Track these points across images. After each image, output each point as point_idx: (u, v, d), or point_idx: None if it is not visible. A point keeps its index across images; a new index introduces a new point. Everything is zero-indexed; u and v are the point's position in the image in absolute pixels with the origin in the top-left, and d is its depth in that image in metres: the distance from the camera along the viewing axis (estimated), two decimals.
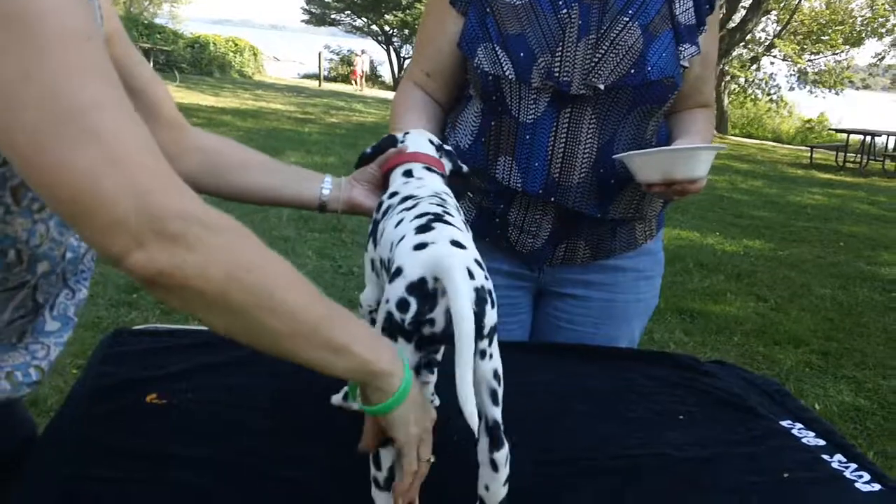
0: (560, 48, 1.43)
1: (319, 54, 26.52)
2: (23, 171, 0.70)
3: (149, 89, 1.15)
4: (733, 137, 18.96)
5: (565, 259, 1.59)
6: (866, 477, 1.16)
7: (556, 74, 1.43)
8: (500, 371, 0.93)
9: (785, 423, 1.34)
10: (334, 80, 26.71)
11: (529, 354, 1.54)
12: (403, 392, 0.87)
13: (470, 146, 1.53)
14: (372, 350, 0.85)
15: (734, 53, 20.14)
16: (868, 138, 14.20)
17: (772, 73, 24.08)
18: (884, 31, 22.30)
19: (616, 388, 1.41)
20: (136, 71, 1.13)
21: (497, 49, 1.45)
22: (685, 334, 4.37)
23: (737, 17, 18.78)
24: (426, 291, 0.88)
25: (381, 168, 1.24)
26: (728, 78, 20.52)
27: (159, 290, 0.73)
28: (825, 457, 1.22)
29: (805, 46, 22.93)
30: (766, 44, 22.76)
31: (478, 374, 0.92)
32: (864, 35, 22.45)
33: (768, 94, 23.69)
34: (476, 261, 0.92)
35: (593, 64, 1.43)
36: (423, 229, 0.95)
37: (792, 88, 24.09)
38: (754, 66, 22.88)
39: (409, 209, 1.02)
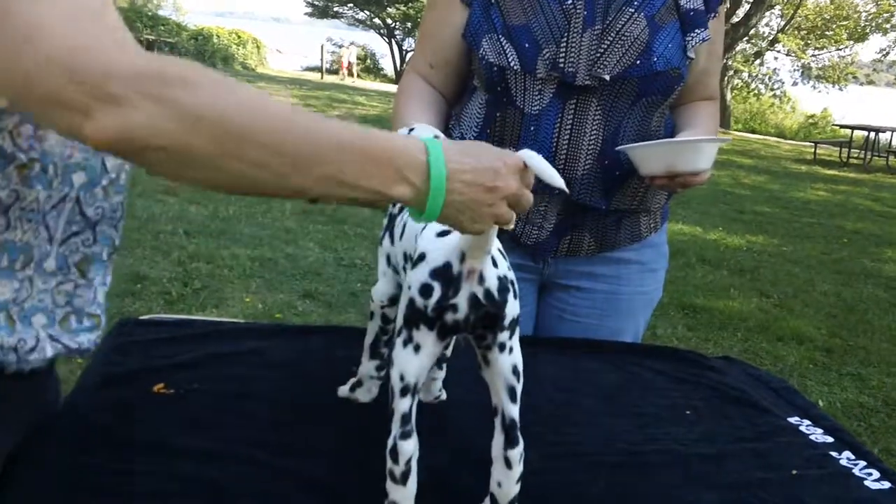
0: (565, 39, 1.42)
1: (322, 47, 26.49)
2: None
3: None
4: (736, 132, 18.91)
5: (570, 251, 1.58)
6: (875, 474, 1.16)
7: (562, 65, 1.42)
8: (521, 367, 0.92)
9: (792, 420, 1.33)
10: (336, 72, 26.67)
11: (535, 348, 1.53)
12: (437, 165, 0.78)
13: (475, 138, 1.52)
14: (376, 143, 0.77)
15: (738, 48, 20.09)
16: (872, 134, 14.16)
17: (775, 69, 24.05)
18: (888, 26, 22.18)
19: (622, 383, 1.40)
20: None
21: (502, 40, 1.45)
22: (688, 330, 4.37)
23: (741, 12, 18.74)
24: (450, 276, 0.87)
25: None
26: (731, 73, 20.46)
27: (130, 158, 0.70)
28: (833, 454, 1.22)
29: (809, 42, 22.85)
30: (770, 39, 22.69)
31: (496, 369, 0.91)
32: (868, 31, 22.36)
33: (771, 90, 23.65)
34: (500, 250, 0.91)
35: (599, 55, 1.42)
36: None
37: (795, 84, 24.04)
38: (758, 61, 22.83)
39: None
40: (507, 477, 0.91)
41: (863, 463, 1.19)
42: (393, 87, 21.03)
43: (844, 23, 22.28)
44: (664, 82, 1.46)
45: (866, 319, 4.91)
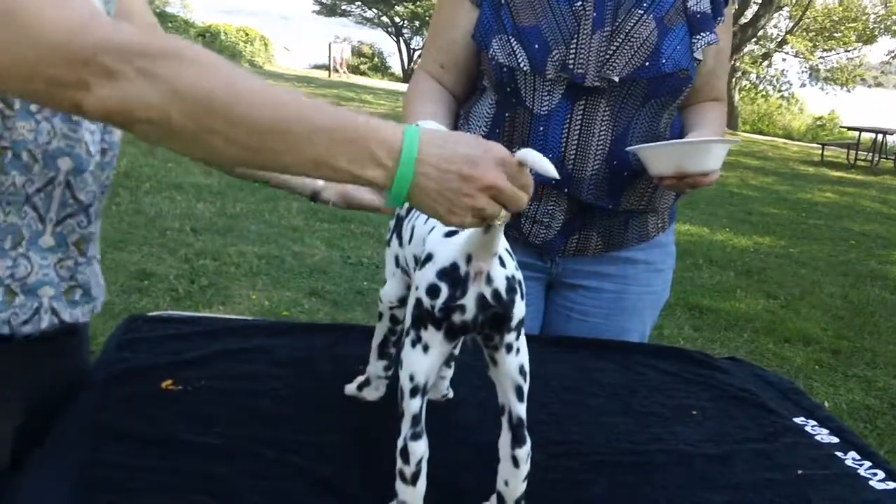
0: (575, 40, 1.43)
1: (329, 45, 26.49)
2: None
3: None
4: (744, 134, 18.86)
5: (577, 250, 1.59)
6: (881, 475, 1.16)
7: (571, 66, 1.43)
8: (527, 367, 0.92)
9: (798, 421, 1.33)
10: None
11: (542, 347, 1.53)
12: (410, 147, 0.78)
13: (484, 137, 1.52)
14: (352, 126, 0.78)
15: (745, 49, 20.03)
16: (880, 136, 14.10)
17: (783, 70, 23.97)
18: None
19: (629, 383, 1.41)
20: None
21: (512, 41, 1.45)
22: (694, 330, 4.36)
23: (749, 13, 18.69)
24: (457, 277, 0.87)
25: None
26: (739, 74, 20.41)
27: (128, 130, 0.74)
28: (839, 454, 1.22)
29: (817, 43, 22.75)
30: (778, 40, 22.61)
31: (504, 369, 0.92)
32: (877, 32, 22.25)
33: (779, 91, 23.56)
34: (507, 250, 0.92)
35: (608, 56, 1.42)
36: None
37: (803, 85, 23.96)
38: (766, 63, 22.75)
39: None
40: (514, 475, 0.92)
41: (868, 463, 1.19)
42: (400, 86, 21.03)
43: (853, 24, 22.18)
44: (673, 84, 1.46)
45: (873, 321, 4.89)
